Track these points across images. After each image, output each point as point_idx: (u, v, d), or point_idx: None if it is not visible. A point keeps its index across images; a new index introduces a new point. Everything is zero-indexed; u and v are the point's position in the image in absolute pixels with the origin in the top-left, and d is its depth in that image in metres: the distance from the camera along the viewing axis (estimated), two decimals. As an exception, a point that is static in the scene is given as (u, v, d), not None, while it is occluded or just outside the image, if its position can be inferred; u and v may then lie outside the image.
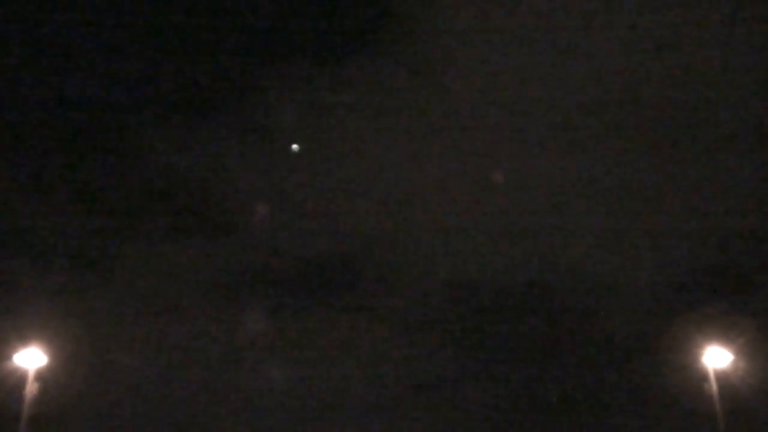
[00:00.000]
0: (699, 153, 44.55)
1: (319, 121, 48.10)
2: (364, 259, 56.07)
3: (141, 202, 50.80)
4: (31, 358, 21.21)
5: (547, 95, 44.65)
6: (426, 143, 48.21)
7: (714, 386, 20.76)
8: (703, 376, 20.97)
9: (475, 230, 52.45)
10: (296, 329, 54.84)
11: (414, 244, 51.93)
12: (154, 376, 44.82)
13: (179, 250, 48.14)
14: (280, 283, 52.99)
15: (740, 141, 43.12)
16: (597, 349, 49.50)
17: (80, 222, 45.68)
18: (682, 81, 41.58)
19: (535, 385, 48.74)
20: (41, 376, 21.43)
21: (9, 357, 21.10)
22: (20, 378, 21.13)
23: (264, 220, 44.73)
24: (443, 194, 51.09)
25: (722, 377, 21.03)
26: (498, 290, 50.78)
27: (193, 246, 53.53)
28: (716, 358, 21.44)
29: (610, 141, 46.35)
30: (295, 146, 36.36)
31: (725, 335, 22.94)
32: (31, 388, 20.98)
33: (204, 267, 50.68)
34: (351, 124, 47.09)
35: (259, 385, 48.61)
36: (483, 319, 53.74)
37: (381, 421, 48.03)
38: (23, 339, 21.40)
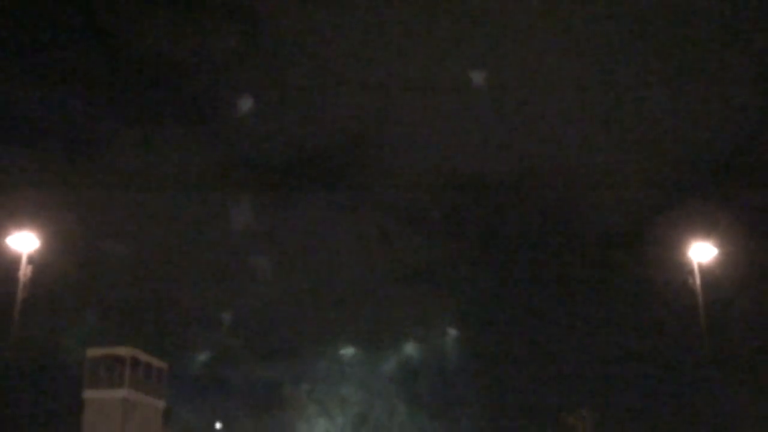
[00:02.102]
0: (690, 47, 43.81)
1: (309, 16, 46.57)
2: (352, 152, 55.67)
3: (133, 91, 49.71)
4: (24, 242, 21.18)
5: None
6: (413, 40, 46.97)
7: (698, 280, 21.08)
8: (688, 271, 21.27)
9: (462, 126, 52.02)
10: (285, 219, 54.87)
11: (403, 139, 51.53)
12: (143, 262, 45.05)
13: (170, 138, 47.49)
14: (270, 174, 52.77)
15: (736, 39, 42.40)
16: (583, 242, 50.15)
17: (74, 109, 44.73)
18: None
19: (523, 276, 49.51)
20: (34, 259, 21.42)
21: (2, 240, 21.07)
22: (13, 260, 21.16)
23: (254, 111, 44.06)
24: (430, 91, 50.30)
25: (706, 271, 21.38)
26: (488, 183, 50.81)
27: (184, 135, 52.71)
28: (701, 252, 21.67)
29: (597, 34, 45.41)
30: None
31: (710, 230, 23.27)
32: (24, 271, 21.01)
33: (195, 155, 50.05)
34: (340, 19, 45.70)
35: (246, 273, 49.10)
36: (473, 211, 54.10)
37: (371, 308, 48.89)
38: (16, 222, 21.33)
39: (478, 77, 43.42)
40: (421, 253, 52.45)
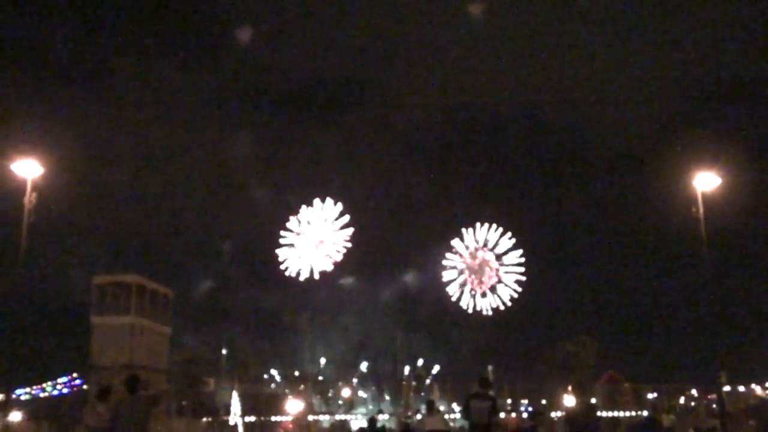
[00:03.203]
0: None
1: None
2: (356, 83, 55.04)
3: (136, 20, 49.03)
4: (28, 168, 21.14)
5: None
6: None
7: (701, 210, 21.04)
8: (692, 200, 21.21)
9: (466, 58, 51.34)
10: (286, 148, 54.63)
11: (406, 70, 50.89)
12: (145, 190, 45.05)
13: (174, 67, 46.93)
14: (272, 104, 52.39)
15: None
16: (588, 172, 50.06)
17: (77, 37, 44.17)
18: None
19: (526, 206, 49.66)
20: (38, 186, 21.40)
21: (7, 167, 21.01)
22: (17, 187, 21.14)
23: (257, 41, 43.38)
24: (434, 23, 49.31)
25: (710, 200, 21.32)
26: (493, 112, 50.30)
27: (188, 64, 52.09)
28: (705, 182, 21.58)
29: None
30: None
31: (715, 159, 23.17)
32: (29, 198, 21.00)
33: (198, 85, 49.60)
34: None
35: (246, 204, 49.18)
36: (480, 140, 53.91)
37: (371, 237, 49.10)
38: (20, 149, 21.27)
39: (477, 9, 42.85)
40: (423, 183, 52.48)
